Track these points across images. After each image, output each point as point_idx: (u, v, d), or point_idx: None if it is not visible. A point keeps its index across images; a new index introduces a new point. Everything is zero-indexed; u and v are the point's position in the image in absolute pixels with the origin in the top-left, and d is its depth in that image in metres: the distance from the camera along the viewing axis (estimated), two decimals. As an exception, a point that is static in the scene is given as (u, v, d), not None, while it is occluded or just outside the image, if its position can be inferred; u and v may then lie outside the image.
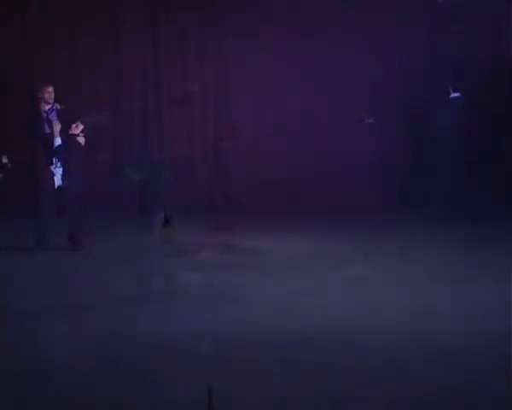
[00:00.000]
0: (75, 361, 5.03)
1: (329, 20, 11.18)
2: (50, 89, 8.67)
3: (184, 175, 11.40)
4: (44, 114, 8.61)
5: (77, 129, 8.52)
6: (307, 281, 7.20)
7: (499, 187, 10.85)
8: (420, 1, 11.26)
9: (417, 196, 10.85)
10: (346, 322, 5.83)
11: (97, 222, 9.91)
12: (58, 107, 8.65)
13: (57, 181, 8.52)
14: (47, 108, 8.63)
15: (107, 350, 5.23)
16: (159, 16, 11.43)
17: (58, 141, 8.51)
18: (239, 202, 11.35)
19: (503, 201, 10.63)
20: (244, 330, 5.65)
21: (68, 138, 8.47)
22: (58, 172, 8.50)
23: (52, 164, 8.46)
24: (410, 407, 4.32)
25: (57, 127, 8.51)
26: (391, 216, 10.81)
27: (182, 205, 10.44)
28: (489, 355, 5.06)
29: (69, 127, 8.49)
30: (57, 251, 8.36)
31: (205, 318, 6.02)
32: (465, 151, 10.26)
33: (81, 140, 8.50)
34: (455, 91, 10.31)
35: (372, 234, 9.50)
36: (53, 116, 8.60)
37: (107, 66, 11.40)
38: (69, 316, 6.08)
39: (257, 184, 11.48)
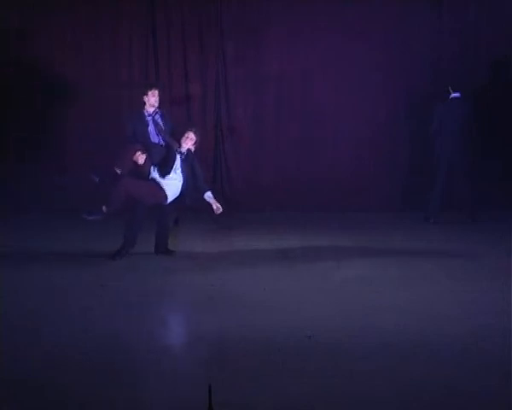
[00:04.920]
0: (76, 361, 5.04)
1: (330, 22, 11.16)
2: (156, 91, 8.22)
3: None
4: (149, 119, 8.17)
5: (190, 141, 8.10)
6: (307, 281, 7.21)
7: (500, 187, 10.85)
8: (420, 1, 11.27)
9: (418, 196, 10.83)
10: (346, 322, 5.83)
11: (99, 222, 9.92)
12: (162, 111, 8.28)
13: (172, 193, 7.99)
14: (151, 111, 8.20)
15: (107, 350, 5.23)
16: (159, 16, 11.41)
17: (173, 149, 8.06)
18: (239, 202, 11.34)
19: (503, 200, 10.64)
20: (244, 329, 5.65)
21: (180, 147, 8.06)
22: (172, 183, 8.00)
23: (168, 174, 7.97)
24: (410, 407, 4.33)
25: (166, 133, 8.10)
26: (391, 216, 10.81)
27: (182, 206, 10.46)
28: (489, 355, 5.07)
29: (176, 136, 8.11)
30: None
31: (205, 318, 6.02)
32: (465, 151, 10.24)
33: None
34: (455, 91, 10.30)
35: (372, 234, 9.51)
36: (158, 120, 8.18)
37: (106, 65, 11.39)
38: (70, 316, 6.08)
39: (257, 184, 11.48)
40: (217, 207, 8.14)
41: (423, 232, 9.70)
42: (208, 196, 8.17)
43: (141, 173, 8.00)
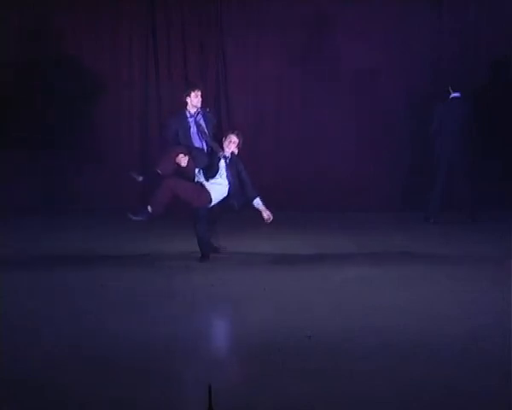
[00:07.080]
0: (76, 361, 5.04)
1: (330, 22, 11.16)
2: (199, 92, 8.01)
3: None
4: (191, 120, 7.99)
5: (233, 144, 7.89)
6: (307, 281, 7.20)
7: (500, 187, 10.85)
8: (420, 1, 11.27)
9: (418, 196, 10.83)
10: (346, 322, 5.83)
11: (98, 222, 9.95)
12: (204, 111, 8.07)
13: (216, 196, 7.83)
14: (193, 111, 8.01)
15: (107, 350, 5.23)
16: (159, 16, 11.42)
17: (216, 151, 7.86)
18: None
19: (503, 200, 10.64)
20: (244, 329, 5.65)
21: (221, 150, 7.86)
22: (217, 187, 7.84)
23: (213, 178, 7.80)
24: (410, 407, 4.32)
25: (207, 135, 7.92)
26: (391, 216, 10.81)
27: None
28: (489, 355, 5.07)
29: (219, 139, 7.93)
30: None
31: (205, 318, 6.02)
32: (465, 151, 10.24)
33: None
34: (455, 91, 10.30)
35: (372, 234, 9.51)
36: (200, 121, 7.99)
37: (106, 65, 11.40)
38: (70, 316, 6.08)
39: (257, 184, 11.43)
40: (267, 215, 7.93)
41: (423, 232, 9.69)
42: (257, 202, 7.94)
43: (185, 176, 7.84)
